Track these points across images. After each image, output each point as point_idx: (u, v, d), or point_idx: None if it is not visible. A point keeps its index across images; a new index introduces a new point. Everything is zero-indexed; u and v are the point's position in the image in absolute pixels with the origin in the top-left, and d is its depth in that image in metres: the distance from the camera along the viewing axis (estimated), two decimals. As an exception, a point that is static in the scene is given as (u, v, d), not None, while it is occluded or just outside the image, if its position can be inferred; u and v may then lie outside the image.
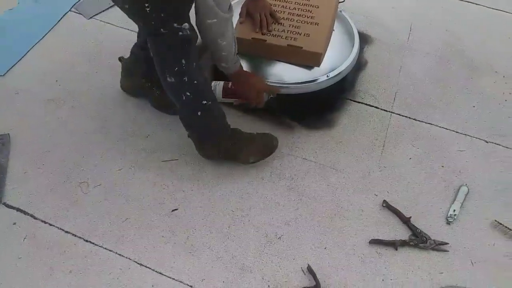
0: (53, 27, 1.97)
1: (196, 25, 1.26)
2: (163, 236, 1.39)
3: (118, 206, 1.45)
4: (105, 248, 1.36)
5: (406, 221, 1.40)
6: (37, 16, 1.99)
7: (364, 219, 1.43)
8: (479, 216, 1.43)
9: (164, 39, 1.21)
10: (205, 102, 1.36)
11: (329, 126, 1.65)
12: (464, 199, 1.45)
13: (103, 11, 2.03)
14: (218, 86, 1.53)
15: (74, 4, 2.05)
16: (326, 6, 1.66)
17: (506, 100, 1.76)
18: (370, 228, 1.41)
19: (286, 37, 1.57)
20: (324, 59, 1.65)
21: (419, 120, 1.68)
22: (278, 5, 1.66)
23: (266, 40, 1.56)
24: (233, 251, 1.36)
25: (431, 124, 1.67)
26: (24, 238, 1.38)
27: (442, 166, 1.55)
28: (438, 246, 1.35)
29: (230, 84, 1.52)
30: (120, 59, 1.63)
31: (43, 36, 1.92)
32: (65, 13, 2.02)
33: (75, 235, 1.39)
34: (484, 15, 2.08)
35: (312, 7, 1.67)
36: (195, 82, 1.30)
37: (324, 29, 1.59)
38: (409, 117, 1.69)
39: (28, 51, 1.86)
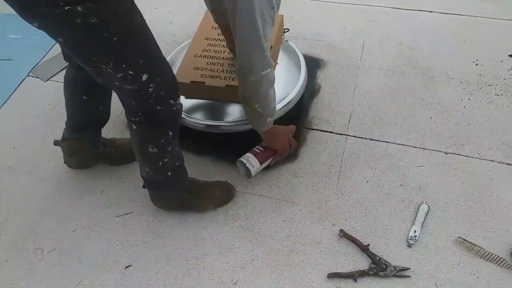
0: (11, 94, 2.00)
1: (244, 86, 1.23)
2: (116, 296, 1.35)
3: (72, 270, 1.42)
4: (59, 316, 1.33)
5: (364, 249, 1.34)
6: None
7: (322, 252, 1.37)
8: (442, 234, 1.36)
9: (158, 116, 1.18)
10: (178, 163, 1.35)
11: (283, 159, 1.61)
12: (425, 218, 1.39)
13: (60, 71, 2.06)
14: (249, 158, 1.45)
15: (32, 69, 2.10)
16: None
17: (464, 107, 1.70)
18: (328, 260, 1.34)
19: (224, 77, 1.56)
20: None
21: (375, 140, 1.63)
22: (218, 45, 1.66)
23: (205, 82, 1.55)
24: (188, 303, 1.31)
25: (387, 142, 1.62)
26: (-22, 315, 1.35)
27: (401, 185, 1.49)
28: (400, 272, 1.28)
29: (258, 148, 1.47)
30: (56, 143, 1.57)
31: (3, 104, 1.95)
32: (23, 79, 2.06)
33: (30, 306, 1.36)
34: (435, 22, 2.06)
35: None
36: (176, 149, 1.30)
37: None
38: (365, 138, 1.64)
39: (-15, 123, 1.89)
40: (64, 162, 1.62)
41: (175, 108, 1.19)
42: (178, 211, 1.50)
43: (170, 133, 1.24)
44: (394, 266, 1.29)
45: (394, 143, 1.61)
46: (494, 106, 1.69)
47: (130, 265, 1.41)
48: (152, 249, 1.44)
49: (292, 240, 1.40)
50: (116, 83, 1.09)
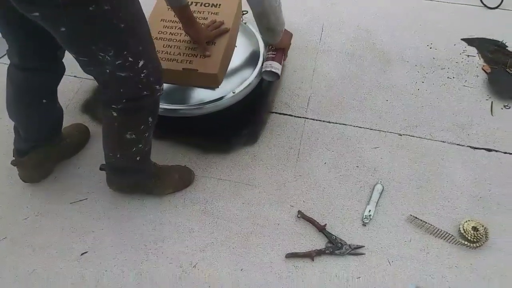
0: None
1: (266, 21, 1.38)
2: (72, 284, 1.32)
3: (25, 258, 1.37)
4: (11, 306, 1.28)
5: (321, 229, 1.37)
6: None
7: (280, 233, 1.38)
8: (395, 213, 1.41)
9: (142, 102, 1.17)
10: (147, 148, 1.34)
11: (243, 142, 1.61)
12: (379, 198, 1.43)
13: (3, 56, 1.95)
14: (272, 65, 1.60)
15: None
16: (225, 24, 1.62)
17: (418, 89, 1.75)
18: (287, 241, 1.36)
19: (181, 60, 1.53)
20: (231, 75, 1.62)
21: (333, 122, 1.66)
22: (174, 27, 1.62)
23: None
24: (147, 288, 1.30)
25: (345, 124, 1.65)
26: None
27: (357, 166, 1.53)
28: (355, 250, 1.32)
29: (271, 54, 1.62)
30: (14, 162, 1.45)
31: None
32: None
33: (-21, 297, 1.31)
34: (392, 6, 2.09)
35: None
36: (150, 135, 1.29)
37: (221, 48, 1.55)
38: (323, 120, 1.66)
39: None
40: (23, 180, 1.51)
41: (158, 93, 1.19)
42: (135, 195, 1.47)
43: (150, 119, 1.23)
44: (349, 245, 1.32)
45: (351, 125, 1.64)
46: (446, 89, 1.75)
47: (86, 252, 1.38)
48: (108, 235, 1.41)
49: (251, 222, 1.41)
50: (108, 71, 1.07)
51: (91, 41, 0.99)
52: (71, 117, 1.69)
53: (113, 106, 1.17)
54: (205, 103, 1.57)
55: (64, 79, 1.39)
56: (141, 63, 1.07)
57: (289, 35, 1.67)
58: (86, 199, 1.49)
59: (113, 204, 1.47)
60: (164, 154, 1.58)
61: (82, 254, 1.37)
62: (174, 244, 1.38)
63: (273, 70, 1.60)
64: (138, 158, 1.33)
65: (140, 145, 1.28)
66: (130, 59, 1.05)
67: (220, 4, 1.65)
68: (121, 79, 1.08)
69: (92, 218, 1.45)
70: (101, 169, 1.43)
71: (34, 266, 1.35)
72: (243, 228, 1.40)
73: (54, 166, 1.55)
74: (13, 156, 1.46)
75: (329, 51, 1.91)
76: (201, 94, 1.61)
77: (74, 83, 1.80)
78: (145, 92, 1.15)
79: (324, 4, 2.11)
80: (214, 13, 1.63)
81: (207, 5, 1.66)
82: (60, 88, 1.40)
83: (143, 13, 1.07)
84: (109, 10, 0.94)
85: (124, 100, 1.15)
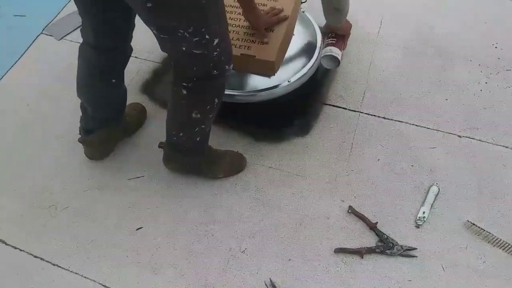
0: (25, 51, 1.99)
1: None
2: (127, 256, 1.39)
3: (85, 228, 1.45)
4: (71, 271, 1.37)
5: (372, 227, 1.36)
6: (9, 41, 2.01)
7: (329, 227, 1.39)
8: (451, 217, 1.38)
9: (212, 81, 1.19)
10: (208, 130, 1.38)
11: (295, 132, 1.62)
12: (435, 200, 1.40)
13: (74, 30, 2.03)
14: (332, 49, 1.52)
15: (45, 27, 2.07)
16: (284, 11, 1.62)
17: (481, 90, 1.68)
18: (336, 236, 1.37)
19: (240, 46, 1.54)
20: (288, 63, 1.62)
21: (388, 118, 1.63)
22: (234, 12, 1.63)
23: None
24: (197, 268, 1.35)
25: (401, 121, 1.62)
26: (-6, 265, 1.39)
27: (412, 166, 1.50)
28: (406, 252, 1.31)
29: (331, 40, 1.53)
30: (82, 139, 1.53)
31: (16, 61, 1.94)
32: (37, 36, 2.04)
33: (43, 259, 1.40)
34: (457, 2, 2.00)
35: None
36: (214, 116, 1.32)
37: (279, 36, 1.55)
38: (378, 116, 1.64)
39: (1, 77, 1.89)
40: (88, 157, 1.59)
41: (227, 73, 1.20)
42: (189, 176, 1.52)
43: (216, 100, 1.25)
44: (401, 245, 1.31)
45: (407, 123, 1.61)
46: (511, 92, 1.67)
47: (141, 227, 1.44)
48: (162, 212, 1.47)
49: (301, 214, 1.43)
50: (184, 48, 1.08)
51: (174, 17, 1.01)
52: (130, 96, 1.73)
53: (183, 84, 1.20)
54: (259, 90, 1.58)
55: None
56: (216, 41, 1.08)
57: (349, 23, 1.62)
58: (143, 176, 1.55)
59: (167, 184, 1.53)
60: (216, 139, 1.61)
61: (137, 229, 1.44)
62: (224, 227, 1.42)
63: (333, 54, 1.51)
64: (198, 139, 1.37)
65: (203, 126, 1.31)
66: (207, 36, 1.06)
67: (280, -8, 1.64)
68: (195, 56, 1.10)
69: (148, 196, 1.51)
70: (159, 146, 1.48)
71: (93, 237, 1.43)
72: (292, 218, 1.42)
73: (115, 145, 1.62)
74: (79, 134, 1.54)
75: (387, 45, 1.86)
76: (256, 81, 1.62)
77: (135, 64, 1.86)
78: (215, 71, 1.16)
79: (385, -5, 2.05)
80: (273, 0, 1.63)
81: (267, -8, 1.66)
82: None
83: None
84: None
85: (195, 79, 1.18)
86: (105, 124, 1.51)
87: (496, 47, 1.81)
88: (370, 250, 1.32)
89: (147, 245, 1.40)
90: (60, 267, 1.38)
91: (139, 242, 1.41)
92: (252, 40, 1.54)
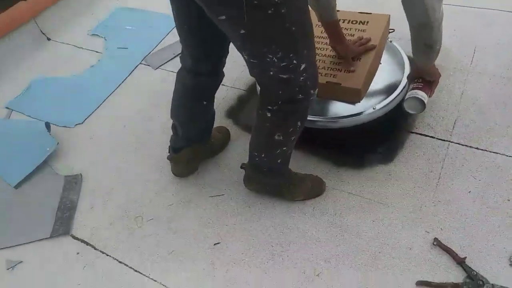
0: (125, 78, 2.21)
1: (430, 35, 1.24)
2: (204, 269, 1.42)
3: (166, 239, 1.53)
4: (151, 279, 1.43)
5: (460, 261, 1.25)
6: (113, 70, 2.26)
7: (412, 258, 1.31)
8: (554, 259, 1.22)
9: (296, 105, 1.22)
10: (289, 152, 1.41)
11: (378, 160, 1.58)
12: (534, 238, 1.26)
13: (168, 61, 2.23)
14: (418, 92, 1.48)
15: (144, 58, 2.30)
16: (372, 41, 1.62)
17: None
18: (419, 268, 1.28)
19: (325, 74, 1.57)
20: (372, 90, 1.61)
21: (481, 149, 1.52)
22: (320, 42, 1.67)
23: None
24: (270, 287, 1.34)
25: (496, 153, 1.50)
26: (84, 267, 1.51)
27: (508, 200, 1.37)
28: (499, 292, 1.18)
29: (418, 85, 1.50)
30: (170, 157, 1.64)
31: (117, 87, 2.17)
32: (136, 66, 2.26)
33: (127, 265, 1.49)
34: None
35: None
36: (296, 139, 1.35)
37: (365, 64, 1.56)
38: (470, 146, 1.54)
39: (104, 101, 2.11)
40: (174, 174, 1.69)
41: (311, 98, 1.22)
42: (267, 197, 1.54)
43: (299, 123, 1.28)
44: (492, 284, 1.19)
45: (504, 154, 1.49)
46: None
47: (218, 243, 1.48)
48: (240, 231, 1.49)
49: (381, 242, 1.36)
50: (272, 73, 1.12)
51: (264, 43, 1.06)
52: (216, 120, 1.81)
53: (268, 107, 1.24)
54: (344, 117, 1.58)
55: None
56: (303, 66, 1.11)
57: (438, 71, 1.53)
58: (223, 195, 1.61)
59: (246, 203, 1.56)
60: (296, 163, 1.62)
61: (215, 244, 1.48)
62: (299, 250, 1.40)
63: (419, 96, 1.46)
64: (279, 161, 1.39)
65: (285, 148, 1.34)
66: (294, 61, 1.09)
67: (368, 22, 1.66)
68: (282, 81, 1.14)
69: (227, 213, 1.55)
70: (241, 167, 1.54)
71: (174, 248, 1.50)
72: (371, 246, 1.36)
73: (200, 164, 1.71)
74: (168, 152, 1.66)
75: (481, 73, 1.76)
76: (339, 107, 1.63)
77: (222, 91, 1.96)
78: (300, 96, 1.19)
79: (477, 23, 1.97)
80: (361, 30, 1.65)
81: (354, 22, 1.68)
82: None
83: (310, 17, 1.11)
84: (285, 14, 0.99)
85: (280, 102, 1.21)
86: (192, 144, 1.61)
87: None
88: (457, 286, 1.20)
89: (223, 260, 1.43)
90: (141, 273, 1.46)
91: (215, 256, 1.45)
92: (338, 69, 1.57)
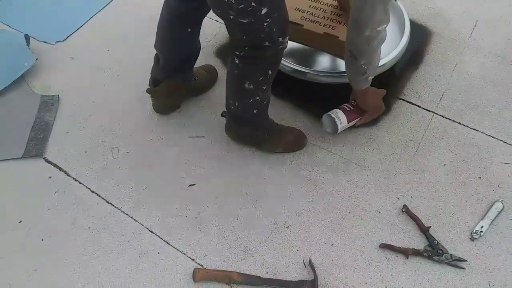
0: (109, 2, 2.07)
1: (355, 41, 1.18)
2: (176, 208, 1.44)
3: (142, 174, 1.52)
4: (123, 212, 1.44)
5: (424, 230, 1.31)
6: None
7: (379, 221, 1.36)
8: (510, 236, 1.29)
9: (264, 52, 1.19)
10: (265, 102, 1.39)
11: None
12: (496, 216, 1.32)
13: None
14: (339, 114, 1.44)
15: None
16: None
17: None
18: (384, 231, 1.33)
19: (324, 24, 1.50)
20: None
21: (463, 124, 1.54)
22: (324, -11, 1.59)
23: (303, 25, 1.51)
24: (239, 233, 1.37)
25: (476, 130, 1.52)
26: (55, 192, 1.50)
27: (479, 177, 1.41)
28: (455, 262, 1.25)
29: (347, 106, 1.46)
30: (149, 90, 1.58)
31: (104, 6, 2.04)
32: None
33: (99, 195, 1.48)
34: None
35: None
36: (268, 88, 1.33)
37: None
38: (453, 120, 1.55)
39: (89, 20, 1.99)
40: (155, 109, 1.65)
41: (281, 46, 1.19)
42: (248, 145, 1.53)
43: (269, 72, 1.25)
44: (450, 254, 1.25)
45: (483, 132, 1.51)
46: None
47: (193, 184, 1.48)
48: (216, 175, 1.50)
49: (352, 203, 1.40)
50: (232, 17, 1.09)
51: None
52: (205, 58, 1.78)
53: (236, 52, 1.21)
54: (334, 72, 1.56)
55: (206, 22, 1.46)
56: (264, 10, 1.06)
57: (377, 97, 1.45)
58: (203, 137, 1.59)
59: (226, 149, 1.55)
60: (280, 114, 1.60)
61: (190, 185, 1.48)
62: (273, 201, 1.43)
63: (336, 120, 1.42)
64: (255, 111, 1.37)
65: (258, 98, 1.31)
66: (253, 4, 1.04)
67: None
68: (243, 25, 1.10)
69: (205, 156, 1.54)
70: (222, 115, 1.51)
71: (148, 184, 1.50)
72: (342, 205, 1.40)
73: (182, 101, 1.66)
74: (149, 85, 1.60)
75: (478, 48, 1.74)
76: (332, 63, 1.60)
77: (214, 27, 1.89)
78: (267, 43, 1.15)
79: (484, -2, 1.91)
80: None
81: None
82: (201, 29, 1.48)
83: None
84: None
85: (246, 48, 1.18)
86: (173, 75, 1.55)
87: None
88: (417, 253, 1.27)
89: (196, 202, 1.45)
90: (112, 205, 1.46)
91: (189, 198, 1.46)
92: (338, 21, 1.50)
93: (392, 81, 1.66)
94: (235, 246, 1.35)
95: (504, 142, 1.48)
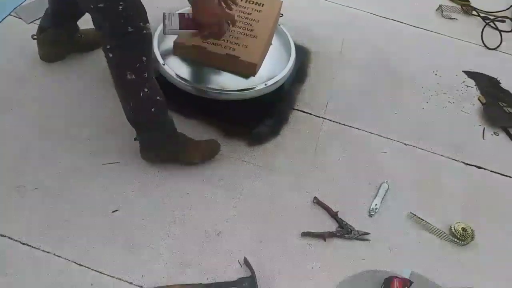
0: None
1: None
2: (103, 236, 1.41)
3: (57, 209, 1.45)
4: (43, 250, 1.36)
5: (334, 215, 1.53)
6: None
7: (297, 215, 1.54)
8: (397, 209, 1.60)
9: (130, 37, 1.26)
10: (159, 98, 1.42)
11: (267, 132, 1.76)
12: (385, 195, 1.62)
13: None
14: (173, 17, 1.46)
15: (14, 9, 2.03)
16: (266, 21, 1.78)
17: (423, 108, 1.97)
18: (302, 222, 1.52)
19: (225, 46, 1.67)
20: (263, 68, 1.77)
21: (347, 125, 1.84)
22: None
23: (206, 48, 1.65)
24: (173, 248, 1.41)
25: (358, 129, 1.83)
26: (-43, 243, 1.34)
27: (367, 166, 1.71)
28: (361, 236, 1.50)
29: (186, 14, 1.48)
30: (35, 36, 1.71)
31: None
32: (4, 18, 1.99)
33: (11, 238, 1.37)
34: (405, 32, 2.32)
35: (253, 21, 1.78)
36: (152, 77, 1.38)
37: (261, 42, 1.71)
38: (339, 123, 1.84)
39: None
40: (40, 57, 1.76)
41: (144, 31, 1.28)
42: (165, 162, 1.58)
43: (144, 58, 1.32)
44: (357, 231, 1.50)
45: (364, 130, 1.83)
46: (446, 111, 1.97)
47: (117, 210, 1.48)
48: (138, 197, 1.52)
49: (271, 202, 1.56)
50: (92, 6, 1.21)
51: None
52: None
53: (107, 46, 1.29)
54: (234, 90, 1.70)
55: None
56: None
57: (214, 14, 1.43)
58: (118, 162, 1.58)
59: (144, 170, 1.57)
60: (189, 133, 1.65)
61: (113, 211, 1.46)
62: (200, 213, 1.50)
63: (166, 21, 1.45)
64: (153, 110, 1.41)
65: (146, 89, 1.36)
66: None
67: (263, 4, 1.81)
68: (101, 11, 1.22)
69: (124, 181, 1.54)
70: (135, 139, 1.53)
71: (67, 217, 1.43)
72: (263, 206, 1.55)
73: (68, 52, 1.79)
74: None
75: (348, 63, 2.08)
76: (232, 81, 1.74)
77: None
78: (130, 28, 1.25)
79: (347, 21, 2.29)
80: (257, 11, 1.79)
81: (251, 2, 1.82)
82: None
83: None
84: None
85: (114, 38, 1.27)
86: (59, 26, 1.68)
87: (436, 74, 2.12)
88: (332, 234, 1.48)
89: (123, 226, 1.44)
90: (30, 245, 1.37)
91: (114, 224, 1.44)
92: (237, 43, 1.68)
93: (286, 95, 1.89)
94: (171, 261, 1.39)
95: (379, 135, 1.82)
